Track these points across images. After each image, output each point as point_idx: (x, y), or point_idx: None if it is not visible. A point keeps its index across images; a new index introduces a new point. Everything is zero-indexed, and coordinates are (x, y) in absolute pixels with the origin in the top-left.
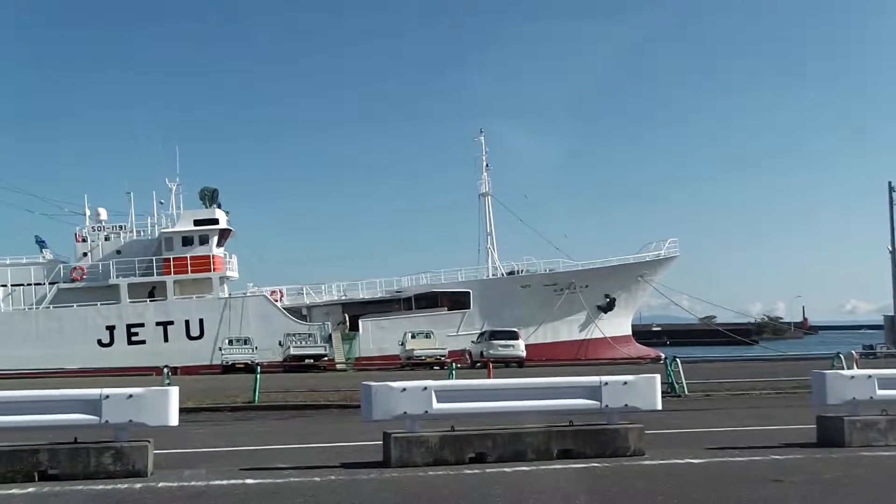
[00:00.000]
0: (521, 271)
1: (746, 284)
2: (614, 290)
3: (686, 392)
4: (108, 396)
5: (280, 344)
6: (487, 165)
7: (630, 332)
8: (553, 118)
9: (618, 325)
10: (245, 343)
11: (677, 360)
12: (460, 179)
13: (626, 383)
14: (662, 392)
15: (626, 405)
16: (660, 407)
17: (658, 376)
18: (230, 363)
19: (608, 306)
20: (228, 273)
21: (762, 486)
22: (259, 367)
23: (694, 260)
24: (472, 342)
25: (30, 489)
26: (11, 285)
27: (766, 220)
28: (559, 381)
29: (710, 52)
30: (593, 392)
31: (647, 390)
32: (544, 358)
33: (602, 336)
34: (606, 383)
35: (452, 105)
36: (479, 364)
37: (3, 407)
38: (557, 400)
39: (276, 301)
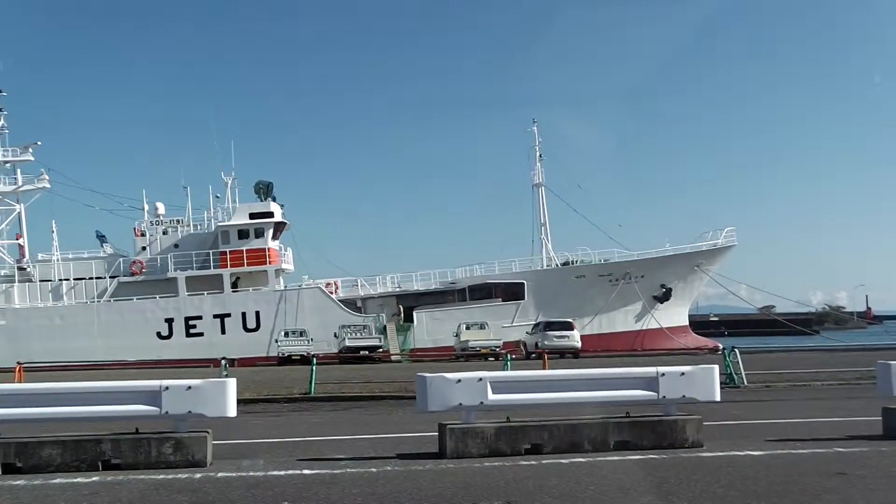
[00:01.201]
0: (576, 261)
1: (807, 274)
2: (670, 280)
3: (745, 383)
4: (167, 388)
5: (335, 335)
6: (541, 156)
7: (687, 323)
8: (608, 106)
9: (674, 315)
10: (301, 335)
11: (736, 350)
12: (514, 170)
13: (683, 374)
14: (721, 383)
15: (684, 396)
16: (718, 398)
17: (716, 367)
18: (286, 355)
19: (664, 296)
20: (284, 265)
21: (826, 479)
22: (315, 359)
23: (752, 248)
24: (527, 333)
25: (94, 478)
26: (74, 279)
27: (827, 208)
28: (615, 372)
29: (769, 38)
30: (650, 383)
31: (706, 381)
32: (600, 349)
33: (658, 326)
34: (663, 374)
35: (507, 95)
36: (533, 355)
37: (68, 398)
38: (614, 391)
39: (332, 293)
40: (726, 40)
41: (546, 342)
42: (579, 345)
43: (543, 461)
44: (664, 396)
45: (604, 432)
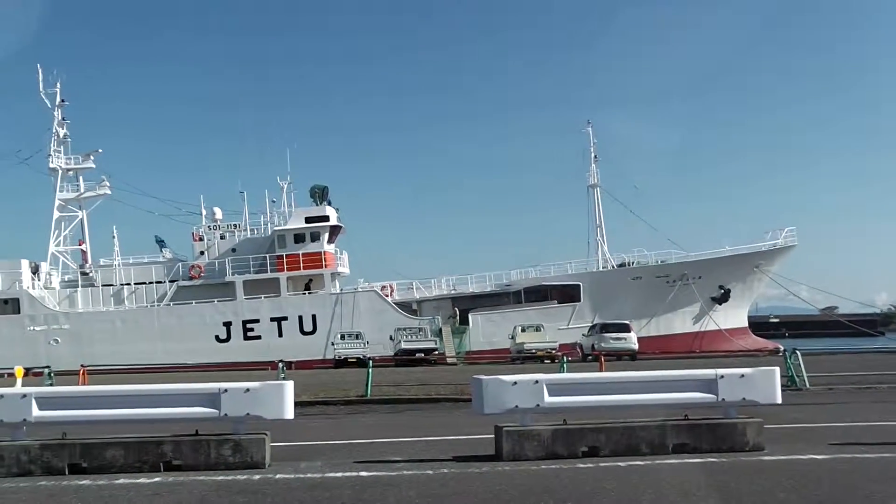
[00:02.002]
0: (632, 263)
1: (872, 274)
2: (729, 281)
3: (807, 385)
4: (226, 390)
5: (391, 338)
6: (596, 156)
7: (746, 324)
8: (664, 105)
9: (733, 316)
10: (357, 338)
11: (797, 351)
12: (569, 171)
13: (743, 376)
14: (782, 385)
15: (744, 399)
16: (779, 401)
17: (777, 369)
18: (342, 357)
19: (723, 297)
20: (339, 269)
21: (893, 485)
22: (371, 362)
23: (813, 248)
24: (583, 335)
25: (156, 479)
26: (134, 283)
27: (891, 207)
28: (673, 375)
29: (828, 36)
30: (709, 385)
31: (766, 383)
32: (657, 351)
33: (717, 328)
34: (722, 376)
35: (561, 96)
36: (590, 357)
37: (130, 400)
38: (672, 393)
39: (387, 296)
40: (784, 39)
41: (603, 344)
42: (636, 347)
43: (601, 464)
44: (723, 399)
45: (662, 435)
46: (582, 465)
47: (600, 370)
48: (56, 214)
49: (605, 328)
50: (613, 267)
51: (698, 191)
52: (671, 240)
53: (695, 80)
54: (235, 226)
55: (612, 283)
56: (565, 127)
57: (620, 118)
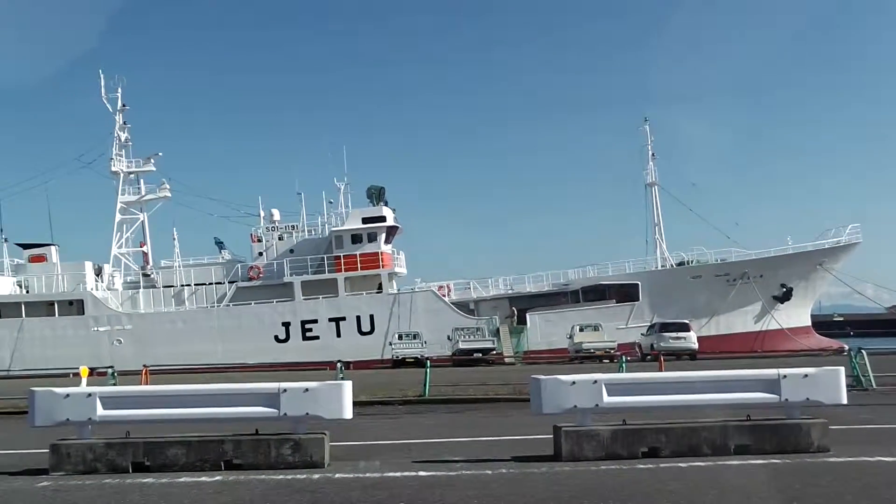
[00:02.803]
0: (692, 262)
1: None
2: (791, 280)
3: (873, 385)
4: (285, 390)
5: (448, 338)
6: (653, 154)
7: (809, 323)
8: (723, 101)
9: (796, 315)
10: (414, 338)
11: (863, 351)
12: (626, 169)
13: (806, 376)
14: (847, 386)
15: (808, 399)
16: (845, 401)
17: (842, 369)
18: (400, 357)
19: (784, 296)
20: (397, 269)
21: None
22: (429, 361)
23: (879, 245)
24: (642, 335)
25: (217, 477)
26: (195, 284)
27: None
28: (735, 375)
29: (890, 29)
30: (771, 385)
31: (830, 383)
32: (717, 350)
33: (779, 327)
34: (785, 376)
35: (618, 93)
36: (649, 357)
37: (192, 399)
38: (733, 393)
39: (444, 296)
40: (844, 32)
41: (662, 344)
42: (696, 346)
43: (661, 465)
44: (786, 399)
45: (723, 436)
46: (642, 466)
47: (659, 370)
48: (118, 217)
49: (665, 327)
50: (672, 266)
51: (758, 189)
52: (730, 237)
53: (755, 76)
54: (293, 227)
55: (671, 282)
56: (621, 126)
57: (678, 115)
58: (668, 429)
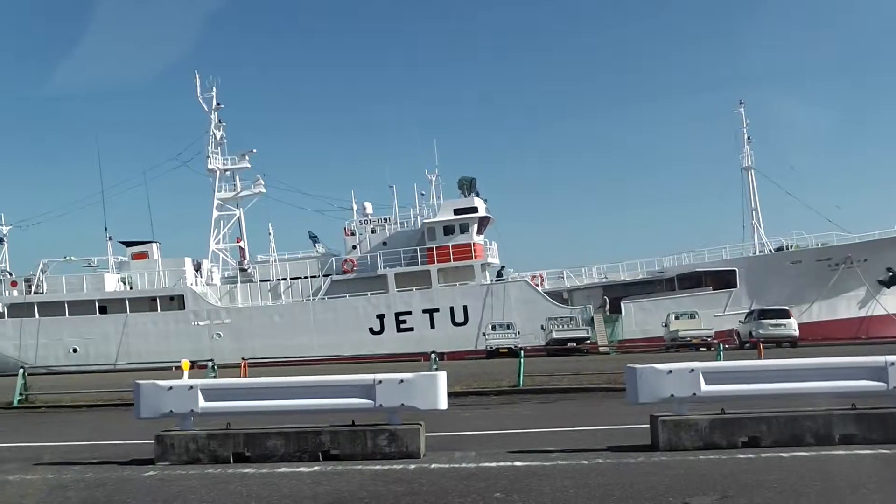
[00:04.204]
0: (791, 247)
1: None
2: None
3: None
4: (381, 382)
5: (542, 328)
6: (749, 137)
7: None
8: (823, 81)
9: None
10: (508, 328)
11: None
12: (721, 154)
13: None
14: None
15: None
16: None
17: None
18: (494, 348)
19: (891, 281)
20: (489, 260)
21: None
22: (522, 352)
23: None
24: (740, 322)
25: (315, 468)
26: (290, 278)
27: None
28: (838, 362)
29: None
30: (878, 373)
31: None
32: (819, 337)
33: (885, 313)
34: (893, 363)
35: (710, 76)
36: (747, 345)
37: (289, 391)
38: (837, 381)
39: (537, 286)
40: None
41: (761, 331)
42: (796, 333)
43: (762, 454)
44: (895, 387)
45: (827, 425)
46: (742, 456)
47: (759, 358)
48: (215, 213)
49: (763, 314)
50: (771, 251)
51: (861, 172)
52: (832, 221)
53: (860, 55)
54: (386, 219)
55: (769, 268)
56: (713, 110)
57: (775, 97)
58: (770, 418)
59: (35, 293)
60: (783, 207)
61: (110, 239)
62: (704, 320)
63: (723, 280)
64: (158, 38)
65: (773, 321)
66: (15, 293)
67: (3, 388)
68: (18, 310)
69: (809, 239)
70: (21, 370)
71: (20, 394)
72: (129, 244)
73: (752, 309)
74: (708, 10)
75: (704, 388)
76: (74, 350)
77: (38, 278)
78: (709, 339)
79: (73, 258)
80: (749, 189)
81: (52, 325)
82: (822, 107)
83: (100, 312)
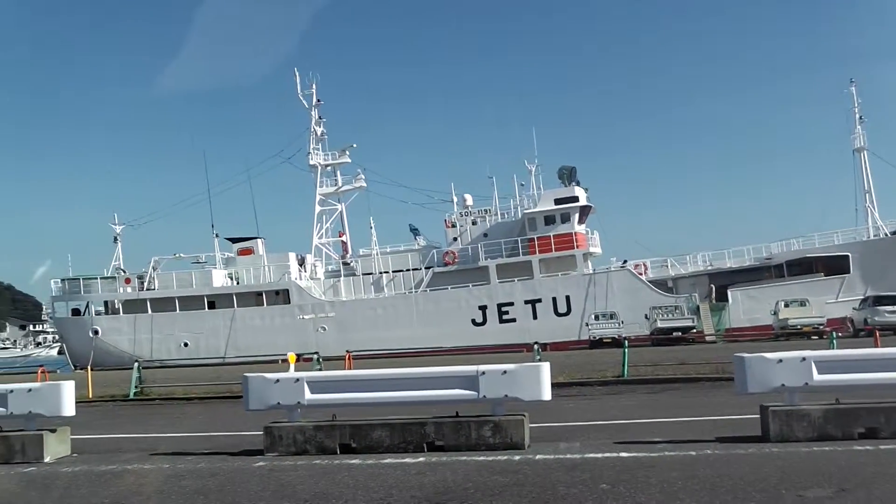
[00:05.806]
0: None
1: None
2: None
3: None
4: (484, 373)
5: (646, 317)
6: (861, 117)
7: None
8: None
9: None
10: (611, 318)
11: None
12: (831, 135)
13: None
14: None
15: None
16: None
17: None
18: (597, 338)
19: None
20: (591, 249)
21: None
22: (626, 341)
23: None
24: (854, 309)
25: (420, 458)
26: (392, 271)
27: None
28: None
29: None
30: None
31: None
32: None
33: None
34: None
35: (819, 56)
36: (863, 332)
37: (393, 383)
38: None
39: (641, 274)
40: None
41: (877, 318)
42: None
43: (881, 446)
44: None
45: None
46: (859, 448)
47: (875, 346)
48: (317, 209)
49: (880, 301)
50: (887, 234)
51: None
52: None
53: None
54: (486, 211)
55: (885, 253)
56: (825, 88)
57: (888, 75)
58: (888, 408)
59: (147, 290)
60: None
61: (217, 236)
62: (816, 308)
63: (835, 266)
64: (263, 38)
65: (891, 308)
66: (129, 290)
67: (121, 382)
68: (132, 306)
69: None
70: (136, 364)
71: (136, 386)
72: (235, 240)
73: (867, 295)
74: None
75: (817, 377)
76: (185, 344)
77: (150, 275)
78: (820, 327)
79: (182, 255)
80: (862, 171)
81: (163, 321)
82: None
83: (208, 307)
